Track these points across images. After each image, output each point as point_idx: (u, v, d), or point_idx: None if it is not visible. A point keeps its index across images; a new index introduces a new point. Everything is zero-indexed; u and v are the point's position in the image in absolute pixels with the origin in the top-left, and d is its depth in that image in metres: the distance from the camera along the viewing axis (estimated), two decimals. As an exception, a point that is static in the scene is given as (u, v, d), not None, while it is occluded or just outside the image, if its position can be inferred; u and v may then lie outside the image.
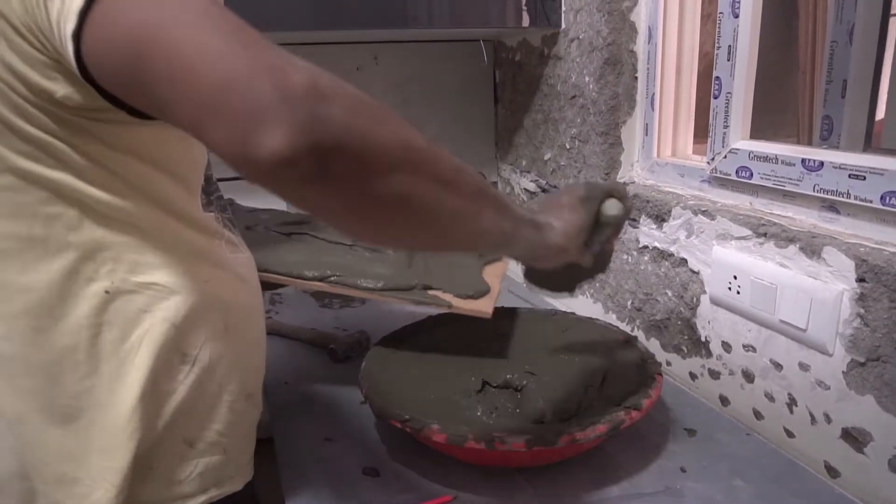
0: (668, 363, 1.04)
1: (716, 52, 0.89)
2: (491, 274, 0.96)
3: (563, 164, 1.26)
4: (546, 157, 1.32)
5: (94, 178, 0.53)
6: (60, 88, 0.48)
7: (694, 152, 1.08)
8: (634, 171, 1.12)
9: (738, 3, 0.85)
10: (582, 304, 1.25)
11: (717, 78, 0.89)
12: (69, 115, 0.50)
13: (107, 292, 0.55)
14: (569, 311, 1.06)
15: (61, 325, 0.54)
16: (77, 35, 0.42)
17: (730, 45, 0.87)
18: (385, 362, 0.89)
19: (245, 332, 0.65)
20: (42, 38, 0.45)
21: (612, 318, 1.17)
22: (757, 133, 0.88)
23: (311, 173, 0.38)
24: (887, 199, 0.69)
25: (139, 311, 0.56)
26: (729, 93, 0.88)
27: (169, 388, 0.58)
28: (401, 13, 1.11)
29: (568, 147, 1.23)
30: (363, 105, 0.42)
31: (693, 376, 0.99)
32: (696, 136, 1.08)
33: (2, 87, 0.48)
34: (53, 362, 0.55)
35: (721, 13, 0.88)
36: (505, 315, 1.00)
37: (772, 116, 0.98)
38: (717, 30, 0.88)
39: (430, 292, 0.89)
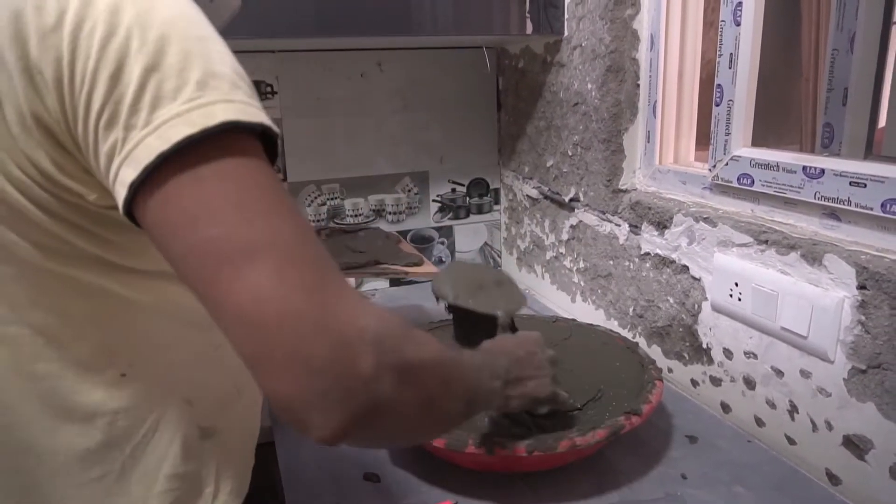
0: (670, 370, 1.04)
1: (718, 59, 0.89)
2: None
3: (565, 170, 1.26)
4: (549, 164, 1.32)
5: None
6: (92, 192, 0.45)
7: (696, 159, 1.09)
8: (637, 178, 1.12)
9: (740, 10, 0.85)
10: (584, 310, 1.26)
11: (719, 85, 0.90)
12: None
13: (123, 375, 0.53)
14: (570, 317, 1.06)
15: None
16: (135, 186, 0.39)
17: (731, 53, 0.87)
18: None
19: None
20: (77, 150, 0.43)
21: (613, 325, 1.17)
22: (759, 140, 0.88)
23: (347, 437, 0.41)
24: (888, 206, 0.69)
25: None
26: (731, 100, 0.88)
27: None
28: (405, 20, 1.11)
29: (570, 154, 1.23)
30: (418, 369, 0.44)
31: (695, 383, 0.99)
32: (698, 142, 1.08)
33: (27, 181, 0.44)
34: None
35: (723, 21, 0.88)
36: None
37: (774, 123, 0.98)
38: (719, 37, 0.89)
39: (381, 266, 1.08)
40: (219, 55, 0.43)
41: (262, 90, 1.36)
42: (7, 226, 0.46)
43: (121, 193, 0.40)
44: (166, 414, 0.56)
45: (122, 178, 0.40)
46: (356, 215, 1.48)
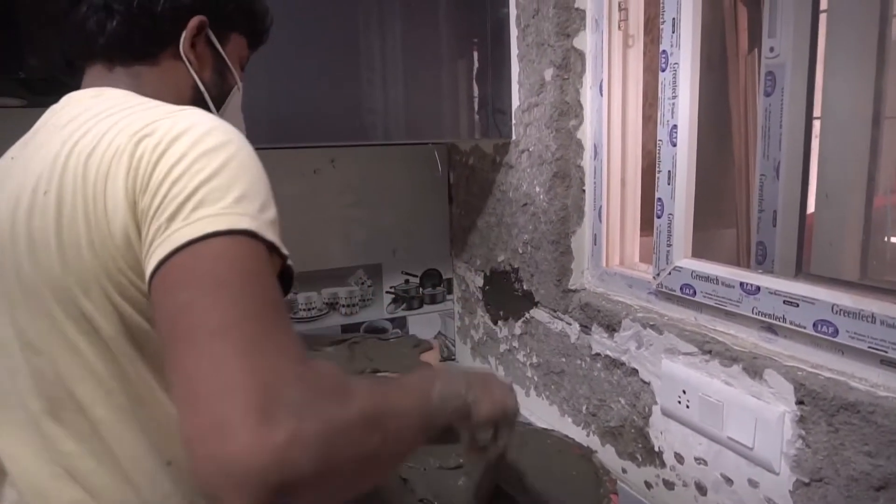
0: (624, 470, 1.05)
1: (657, 174, 0.95)
2: (428, 358, 1.02)
3: (516, 266, 1.29)
4: (500, 259, 1.36)
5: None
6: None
7: (642, 260, 1.13)
8: (585, 279, 1.16)
9: (676, 132, 0.91)
10: (538, 405, 1.27)
11: (660, 199, 0.95)
12: None
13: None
14: (526, 421, 1.06)
15: None
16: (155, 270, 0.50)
17: (669, 171, 0.92)
18: None
19: None
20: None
21: (567, 422, 1.18)
22: (704, 250, 0.93)
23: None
24: (819, 326, 0.73)
25: None
26: (671, 214, 0.93)
27: None
28: (358, 129, 1.14)
29: (521, 252, 1.26)
30: (336, 439, 0.46)
31: (648, 485, 1.00)
32: (645, 238, 1.12)
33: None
34: None
35: (660, 140, 0.94)
36: None
37: (715, 236, 1.04)
38: (658, 156, 0.94)
39: (380, 374, 0.97)
40: (256, 181, 0.55)
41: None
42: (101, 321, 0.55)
43: (150, 266, 0.50)
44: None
45: (157, 255, 0.50)
46: (309, 309, 1.48)
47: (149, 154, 0.53)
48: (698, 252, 0.94)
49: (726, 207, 1.04)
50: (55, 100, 0.68)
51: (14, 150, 0.65)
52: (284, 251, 0.55)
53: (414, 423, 0.56)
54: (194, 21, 0.68)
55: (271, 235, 0.53)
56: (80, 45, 0.67)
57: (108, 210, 0.54)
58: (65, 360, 0.57)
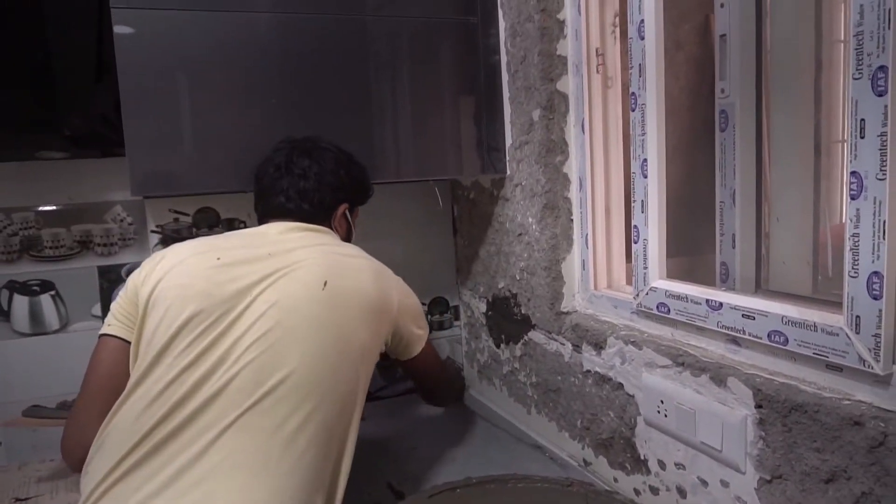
0: (616, 479, 1.12)
1: (633, 203, 1.04)
2: None
3: (515, 292, 1.39)
4: (500, 286, 1.45)
5: None
6: None
7: (628, 283, 1.22)
8: (576, 301, 1.25)
9: (647, 165, 1.00)
10: (538, 422, 1.35)
11: (635, 226, 1.04)
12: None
13: None
14: (586, 480, 1.09)
15: None
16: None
17: (642, 200, 1.02)
18: None
19: None
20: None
21: (565, 436, 1.26)
22: (681, 271, 1.02)
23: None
24: (772, 336, 0.81)
25: None
26: (645, 239, 1.02)
27: None
28: (371, 168, 1.26)
29: (518, 278, 1.36)
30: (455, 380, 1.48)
31: (637, 492, 1.08)
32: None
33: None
34: None
35: (634, 172, 1.03)
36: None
37: (690, 258, 1.12)
38: (632, 186, 1.04)
39: None
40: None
41: (236, 226, 1.48)
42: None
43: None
44: None
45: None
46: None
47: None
48: (689, 276, 1.02)
49: (696, 234, 1.13)
50: (95, 153, 0.83)
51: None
52: None
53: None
54: (342, 208, 1.15)
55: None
56: (276, 211, 1.10)
57: None
58: None
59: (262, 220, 1.14)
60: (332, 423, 0.91)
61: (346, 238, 1.18)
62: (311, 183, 1.10)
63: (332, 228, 1.14)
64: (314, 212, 1.11)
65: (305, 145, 1.14)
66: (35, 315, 1.39)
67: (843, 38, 0.99)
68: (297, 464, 0.85)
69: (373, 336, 1.02)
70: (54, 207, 1.40)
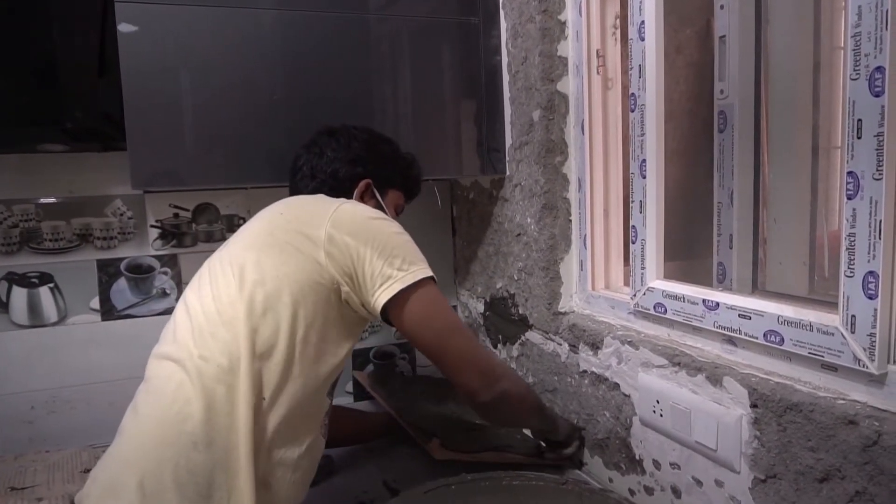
0: (611, 480, 1.12)
1: (630, 204, 1.04)
2: None
3: (513, 292, 1.39)
4: (498, 286, 1.45)
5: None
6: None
7: (626, 283, 1.22)
8: (573, 302, 1.25)
9: (645, 166, 1.01)
10: (534, 422, 1.35)
11: (633, 227, 1.05)
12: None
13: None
14: (584, 479, 1.11)
15: None
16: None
17: (641, 200, 1.02)
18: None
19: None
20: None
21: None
22: (681, 272, 1.02)
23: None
24: (768, 336, 0.82)
25: None
26: (643, 240, 1.03)
27: None
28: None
29: (516, 278, 1.36)
30: (518, 397, 1.03)
31: (632, 492, 1.08)
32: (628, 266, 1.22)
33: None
34: None
35: (632, 173, 1.04)
36: None
37: (689, 259, 1.13)
38: (631, 187, 1.04)
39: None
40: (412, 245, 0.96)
41: (236, 223, 1.48)
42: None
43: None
44: None
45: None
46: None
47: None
48: (687, 278, 1.02)
49: (695, 235, 1.14)
50: (95, 147, 0.83)
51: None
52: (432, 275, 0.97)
53: (535, 412, 1.08)
54: (363, 184, 1.08)
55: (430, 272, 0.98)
56: (296, 188, 1.10)
57: None
58: None
59: None
60: None
61: None
62: (325, 158, 1.08)
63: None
64: (328, 183, 1.07)
65: (334, 127, 1.13)
66: (34, 307, 1.39)
67: (842, 44, 1.00)
68: None
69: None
70: (54, 200, 1.40)
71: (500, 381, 0.97)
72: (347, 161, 1.08)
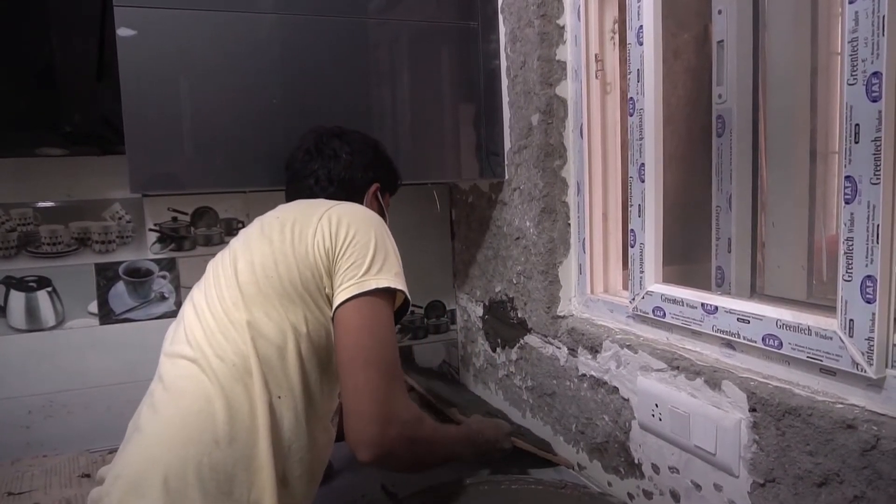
0: (610, 484, 1.12)
1: (630, 208, 1.05)
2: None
3: (511, 296, 1.39)
4: (497, 290, 1.45)
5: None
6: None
7: (625, 287, 1.22)
8: (572, 305, 1.25)
9: (644, 170, 1.01)
10: (533, 425, 1.35)
11: (632, 230, 1.05)
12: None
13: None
14: (580, 482, 1.10)
15: None
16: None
17: (639, 204, 1.02)
18: None
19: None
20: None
21: (559, 440, 1.26)
22: (680, 276, 1.02)
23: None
24: (767, 339, 0.82)
25: None
26: (642, 244, 1.03)
27: None
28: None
29: (515, 282, 1.36)
30: (417, 446, 0.90)
31: (631, 496, 1.08)
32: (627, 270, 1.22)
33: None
34: None
35: (631, 177, 1.04)
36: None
37: (688, 263, 1.13)
38: (629, 190, 1.04)
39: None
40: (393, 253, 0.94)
41: (234, 226, 1.48)
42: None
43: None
44: None
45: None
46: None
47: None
48: (685, 282, 1.02)
49: (694, 239, 1.14)
50: (94, 151, 0.83)
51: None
52: (404, 292, 0.94)
53: (448, 451, 0.98)
54: (374, 187, 1.12)
55: (402, 286, 0.94)
56: (305, 193, 1.07)
57: None
58: None
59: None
60: None
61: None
62: (342, 162, 1.09)
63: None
64: (343, 193, 1.07)
65: (333, 130, 1.14)
66: (31, 311, 1.39)
67: (839, 50, 1.01)
68: None
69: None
70: (53, 204, 1.40)
71: (393, 428, 0.84)
72: (362, 167, 1.11)
